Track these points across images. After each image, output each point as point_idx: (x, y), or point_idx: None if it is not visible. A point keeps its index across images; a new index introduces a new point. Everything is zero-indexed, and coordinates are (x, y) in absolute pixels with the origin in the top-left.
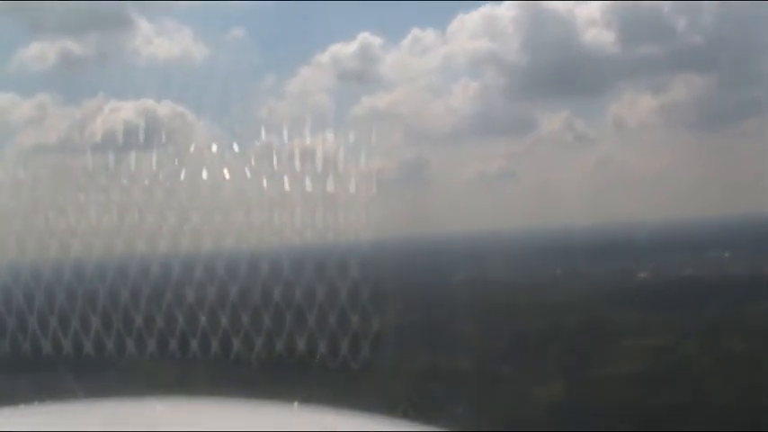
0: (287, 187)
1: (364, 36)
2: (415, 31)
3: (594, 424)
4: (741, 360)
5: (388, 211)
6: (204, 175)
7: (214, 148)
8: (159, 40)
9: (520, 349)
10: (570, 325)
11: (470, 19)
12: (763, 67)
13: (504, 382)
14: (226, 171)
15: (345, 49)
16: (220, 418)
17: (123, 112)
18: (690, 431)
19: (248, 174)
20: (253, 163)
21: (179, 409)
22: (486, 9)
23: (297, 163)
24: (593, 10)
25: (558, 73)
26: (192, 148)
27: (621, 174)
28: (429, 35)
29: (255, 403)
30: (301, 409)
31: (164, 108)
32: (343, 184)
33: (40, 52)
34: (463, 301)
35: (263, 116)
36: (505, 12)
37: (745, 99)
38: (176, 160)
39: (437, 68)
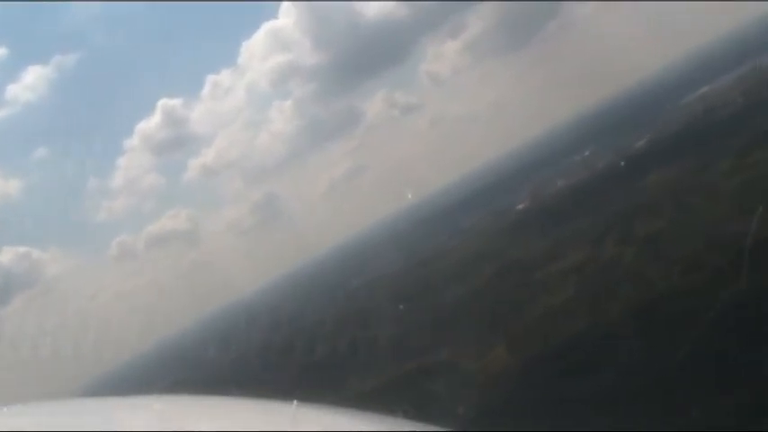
0: (150, 281)
1: (163, 103)
2: (211, 78)
3: None
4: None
5: (259, 255)
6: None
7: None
8: None
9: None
10: (489, 270)
11: (255, 43)
12: None
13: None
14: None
15: (150, 124)
16: (220, 417)
17: None
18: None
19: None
20: (115, 263)
21: (179, 409)
22: (266, 26)
23: (156, 252)
24: None
25: (360, 56)
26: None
27: (457, 124)
28: (225, 75)
29: (255, 402)
30: (300, 408)
31: None
32: (204, 252)
33: None
34: (374, 298)
35: (103, 219)
36: (285, 20)
37: (535, 8)
38: None
39: (246, 103)
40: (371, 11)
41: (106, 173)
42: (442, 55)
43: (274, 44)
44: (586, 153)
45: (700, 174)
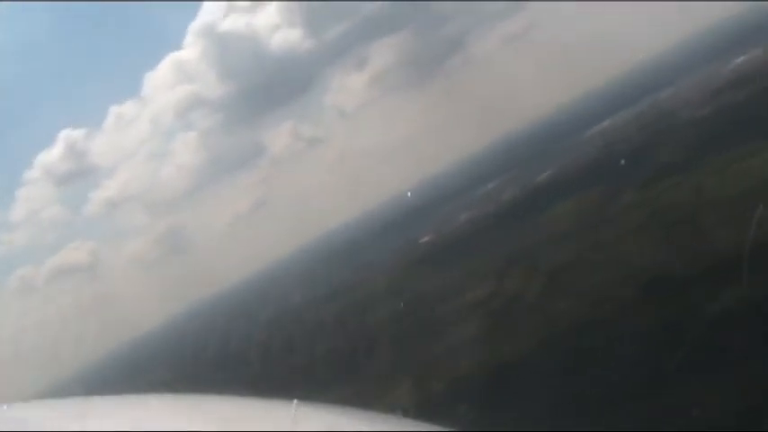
0: (52, 314)
1: (65, 134)
2: (114, 109)
3: None
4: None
5: (162, 288)
6: None
7: None
8: None
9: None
10: (394, 304)
11: (159, 73)
12: (447, 8)
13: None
14: None
15: (51, 155)
16: (220, 416)
17: None
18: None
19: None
20: (16, 296)
21: (179, 408)
22: (171, 57)
23: (58, 284)
24: (272, 15)
25: (265, 88)
26: None
27: (363, 157)
28: (128, 106)
29: (255, 402)
30: (300, 407)
31: None
32: (107, 285)
33: None
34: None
35: (3, 251)
36: (190, 51)
37: (440, 42)
38: None
39: (150, 135)
40: (276, 42)
41: (6, 205)
42: (348, 88)
43: (179, 75)
44: (491, 186)
45: (604, 206)
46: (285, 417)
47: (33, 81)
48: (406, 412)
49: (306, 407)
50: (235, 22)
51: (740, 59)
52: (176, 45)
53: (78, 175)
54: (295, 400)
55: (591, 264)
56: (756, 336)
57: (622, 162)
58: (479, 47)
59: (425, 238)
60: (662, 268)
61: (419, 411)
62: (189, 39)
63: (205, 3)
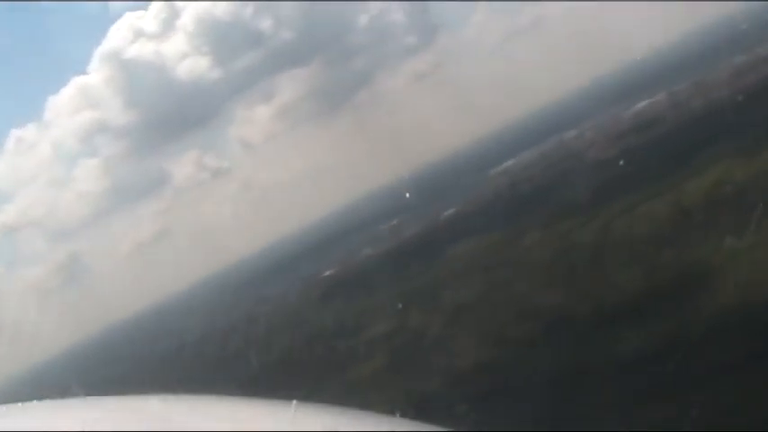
0: None
1: None
2: (15, 132)
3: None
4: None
5: (60, 317)
6: None
7: None
8: None
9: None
10: (296, 338)
11: (63, 98)
12: (354, 41)
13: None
14: None
15: None
16: (220, 416)
17: None
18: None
19: None
20: None
21: (179, 409)
22: (75, 81)
23: None
24: (180, 42)
25: (171, 117)
26: None
27: (268, 189)
28: (30, 130)
29: (255, 402)
30: (300, 407)
31: None
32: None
33: None
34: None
35: None
36: (95, 76)
37: (348, 77)
38: None
39: (51, 160)
40: (183, 71)
41: None
42: (255, 119)
43: (83, 100)
44: (395, 222)
45: (507, 245)
46: (284, 417)
47: None
48: (405, 412)
49: (305, 407)
50: (142, 48)
51: (642, 104)
52: (81, 69)
53: None
54: (294, 401)
55: (494, 303)
56: (657, 377)
57: (621, 163)
58: (388, 82)
59: (328, 272)
60: (565, 309)
61: (418, 411)
62: (94, 63)
63: (113, 27)
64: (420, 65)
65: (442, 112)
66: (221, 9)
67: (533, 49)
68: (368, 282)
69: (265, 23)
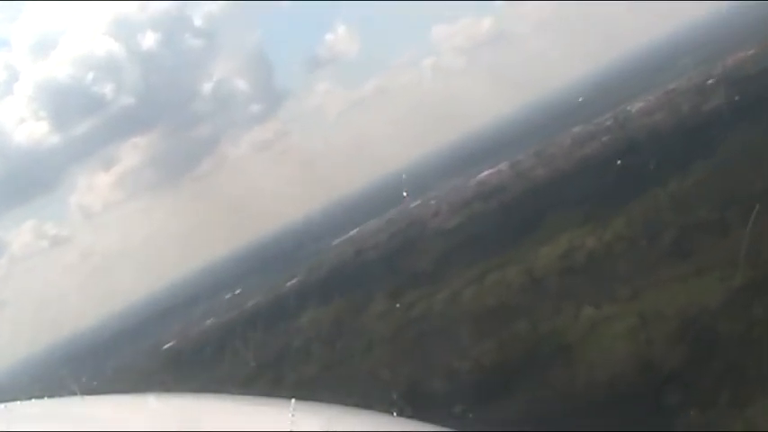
0: None
1: None
2: None
3: None
4: None
5: None
6: None
7: None
8: None
9: None
10: None
11: None
12: (197, 109)
13: None
14: None
15: None
16: (221, 416)
17: None
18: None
19: None
20: None
21: (179, 408)
22: None
23: None
24: (18, 106)
25: (8, 183)
26: None
27: (109, 258)
28: None
29: (255, 402)
30: (300, 407)
31: None
32: None
33: None
34: None
35: None
36: None
37: (190, 144)
38: None
39: None
40: (21, 135)
41: None
42: (94, 187)
43: None
44: (237, 291)
45: (351, 316)
46: (284, 416)
47: None
48: (403, 411)
49: (304, 406)
50: None
51: (485, 173)
52: None
53: None
54: (293, 400)
55: (337, 377)
56: None
57: (618, 162)
58: (232, 151)
59: (168, 344)
60: (412, 384)
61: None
62: None
63: None
64: (265, 133)
65: (287, 180)
66: (62, 73)
67: (377, 118)
68: (210, 354)
69: (106, 88)
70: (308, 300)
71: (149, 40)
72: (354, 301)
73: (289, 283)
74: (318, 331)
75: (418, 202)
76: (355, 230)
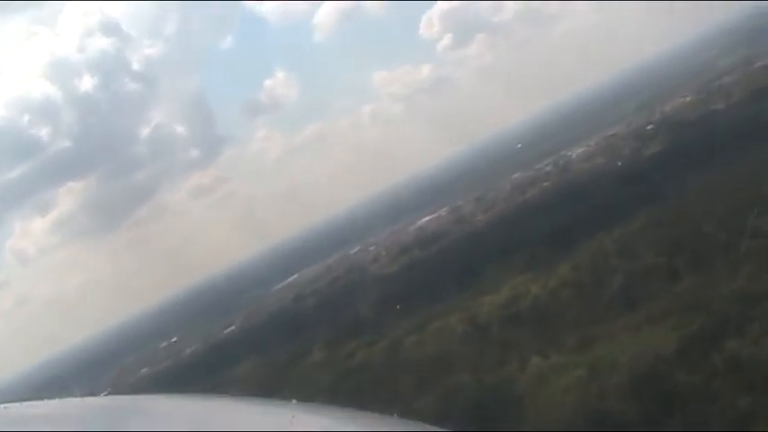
0: None
1: None
2: None
3: None
4: None
5: None
6: None
7: None
8: None
9: None
10: None
11: None
12: (135, 154)
13: None
14: None
15: None
16: (221, 417)
17: None
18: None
19: None
20: None
21: (179, 409)
22: None
23: None
24: None
25: None
26: None
27: (44, 304)
28: None
29: (255, 402)
30: (300, 407)
31: None
32: None
33: None
34: None
35: None
36: None
37: (127, 189)
38: None
39: None
40: None
41: None
42: (30, 232)
43: None
44: (174, 339)
45: (290, 365)
46: (284, 417)
47: None
48: (402, 413)
49: (305, 407)
50: None
51: (425, 219)
52: None
53: None
54: (294, 400)
55: None
56: None
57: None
58: (170, 196)
59: (103, 394)
60: None
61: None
62: None
63: None
64: (204, 179)
65: (226, 226)
66: None
67: (316, 164)
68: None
69: (42, 132)
70: (246, 347)
71: (87, 83)
72: (292, 351)
73: (226, 331)
74: (257, 381)
75: (357, 248)
76: (294, 276)
